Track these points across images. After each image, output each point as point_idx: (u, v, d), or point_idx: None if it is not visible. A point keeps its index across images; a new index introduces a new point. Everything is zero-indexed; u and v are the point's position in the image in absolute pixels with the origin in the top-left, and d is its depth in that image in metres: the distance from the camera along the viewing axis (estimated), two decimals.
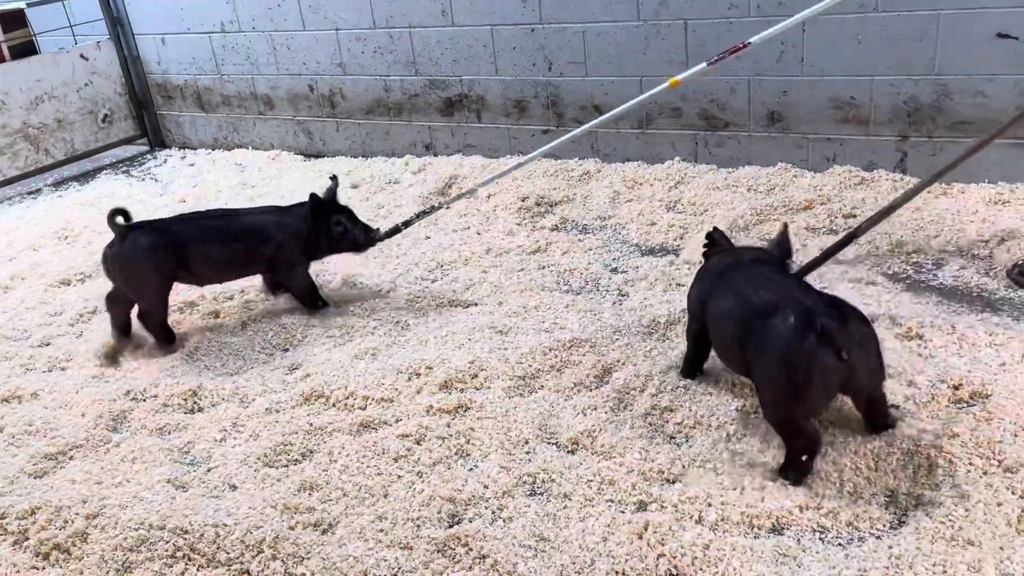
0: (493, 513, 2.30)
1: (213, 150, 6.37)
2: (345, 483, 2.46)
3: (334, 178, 3.61)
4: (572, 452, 2.54)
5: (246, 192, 5.35)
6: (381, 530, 2.26)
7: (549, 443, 2.60)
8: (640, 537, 2.12)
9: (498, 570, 2.08)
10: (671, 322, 3.18)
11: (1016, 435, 2.33)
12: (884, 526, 2.11)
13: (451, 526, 2.26)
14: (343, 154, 5.87)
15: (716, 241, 2.83)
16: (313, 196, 3.44)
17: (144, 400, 3.07)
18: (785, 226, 2.73)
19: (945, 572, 1.91)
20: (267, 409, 2.89)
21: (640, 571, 2.02)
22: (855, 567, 1.97)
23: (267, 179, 5.58)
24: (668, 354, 2.97)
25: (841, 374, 2.14)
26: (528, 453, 2.55)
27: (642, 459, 2.44)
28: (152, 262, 3.30)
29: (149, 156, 6.54)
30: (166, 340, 3.44)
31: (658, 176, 4.63)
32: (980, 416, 2.42)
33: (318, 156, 5.95)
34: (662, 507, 2.24)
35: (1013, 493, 2.12)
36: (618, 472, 2.39)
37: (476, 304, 3.55)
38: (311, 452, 2.64)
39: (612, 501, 2.29)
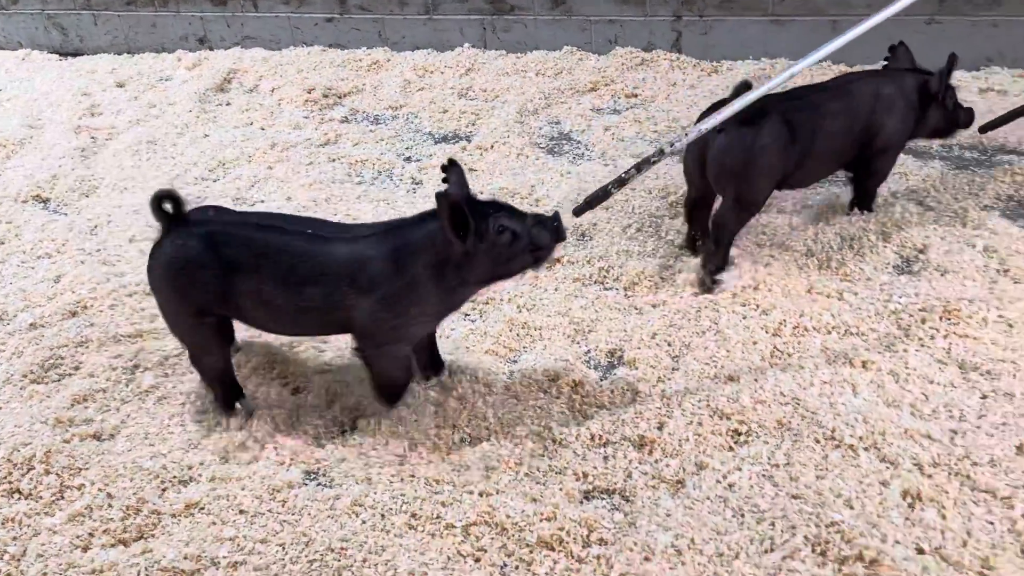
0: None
1: None
2: (123, 392, 2.32)
3: (452, 162, 2.05)
4: None
5: None
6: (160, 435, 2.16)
7: None
8: None
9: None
10: None
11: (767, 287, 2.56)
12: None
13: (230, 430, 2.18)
14: (104, 51, 5.30)
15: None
16: (445, 197, 1.89)
17: None
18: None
19: (708, 403, 2.10)
20: (31, 324, 2.64)
21: None
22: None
23: (16, 82, 4.96)
24: None
25: None
26: (325, 342, 2.50)
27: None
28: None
29: None
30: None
31: (448, 64, 4.56)
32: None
33: (75, 54, 5.34)
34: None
35: (766, 332, 2.35)
36: None
37: (263, 201, 3.38)
38: (82, 365, 2.45)
39: None
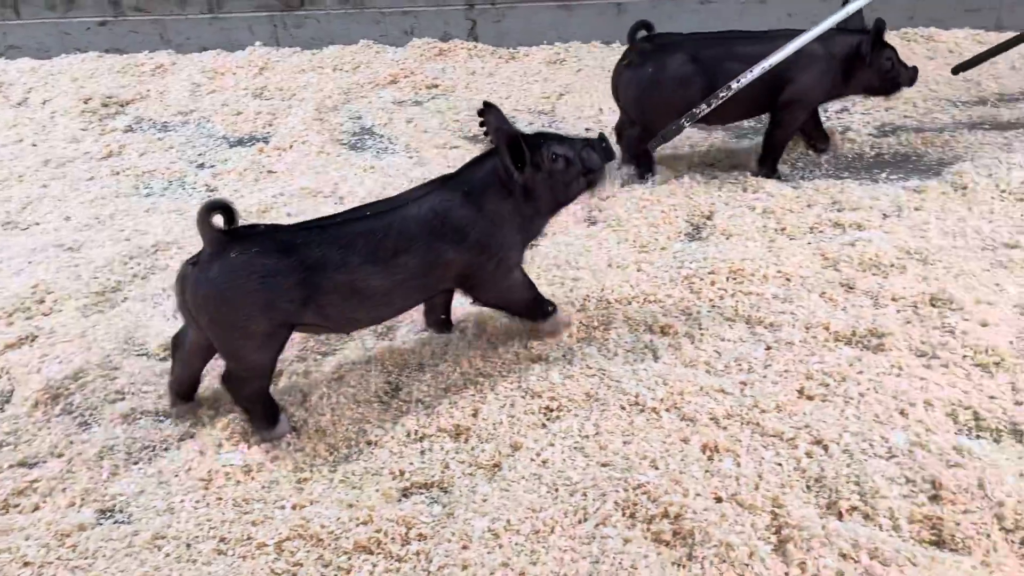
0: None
1: None
2: None
3: (489, 105, 2.15)
4: (166, 359, 2.37)
5: None
6: None
7: (139, 355, 2.39)
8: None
9: None
10: (263, 210, 3.06)
11: None
12: None
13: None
14: None
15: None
16: (503, 132, 2.02)
17: None
18: None
19: (520, 384, 2.12)
20: None
21: None
22: None
23: None
24: None
25: None
26: (116, 369, 2.32)
27: None
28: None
29: None
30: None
31: (240, 64, 4.37)
32: None
33: None
34: None
35: (572, 307, 2.41)
36: (214, 368, 2.28)
37: (37, 224, 3.09)
38: None
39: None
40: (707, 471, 1.82)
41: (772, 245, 2.61)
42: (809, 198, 2.89)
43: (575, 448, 1.92)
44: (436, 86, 4.06)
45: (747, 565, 1.59)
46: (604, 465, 1.85)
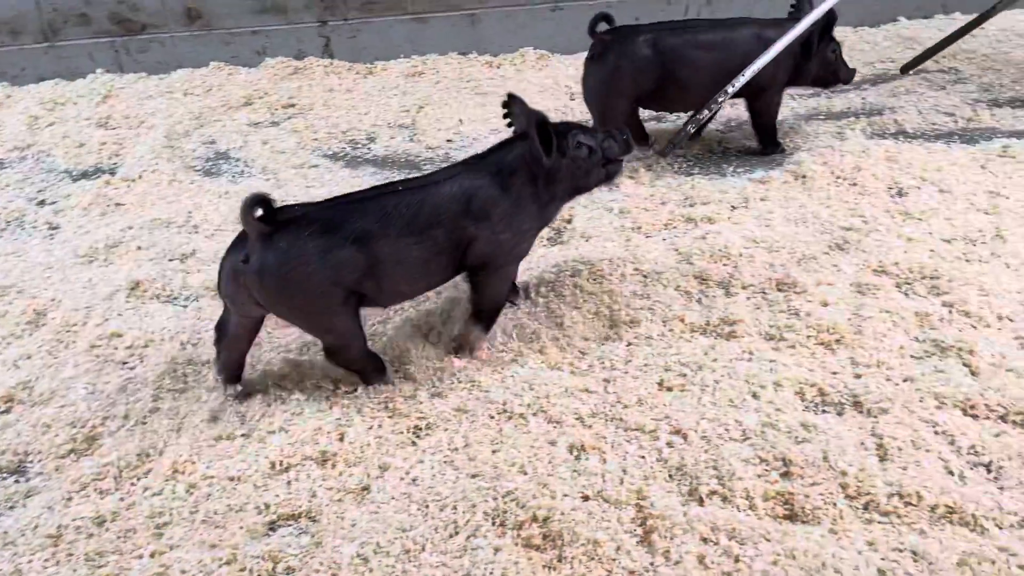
0: None
1: None
2: None
3: (513, 96, 2.25)
4: (7, 411, 2.22)
5: None
6: None
7: None
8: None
9: None
10: (111, 245, 2.91)
11: None
12: None
13: None
14: None
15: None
16: (535, 116, 2.10)
17: None
18: None
19: (387, 405, 2.10)
20: None
21: None
22: None
23: None
24: (112, 279, 2.72)
25: None
26: None
27: (89, 393, 2.23)
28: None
29: None
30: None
31: (81, 93, 4.15)
32: None
33: None
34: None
35: (441, 321, 2.40)
36: (58, 418, 2.14)
37: None
38: None
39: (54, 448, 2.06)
40: (574, 471, 1.85)
41: (628, 244, 2.68)
42: (663, 196, 2.99)
43: (445, 462, 1.91)
44: (292, 105, 3.98)
45: (614, 560, 1.63)
46: (474, 476, 1.85)
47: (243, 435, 2.04)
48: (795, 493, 1.75)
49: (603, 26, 3.02)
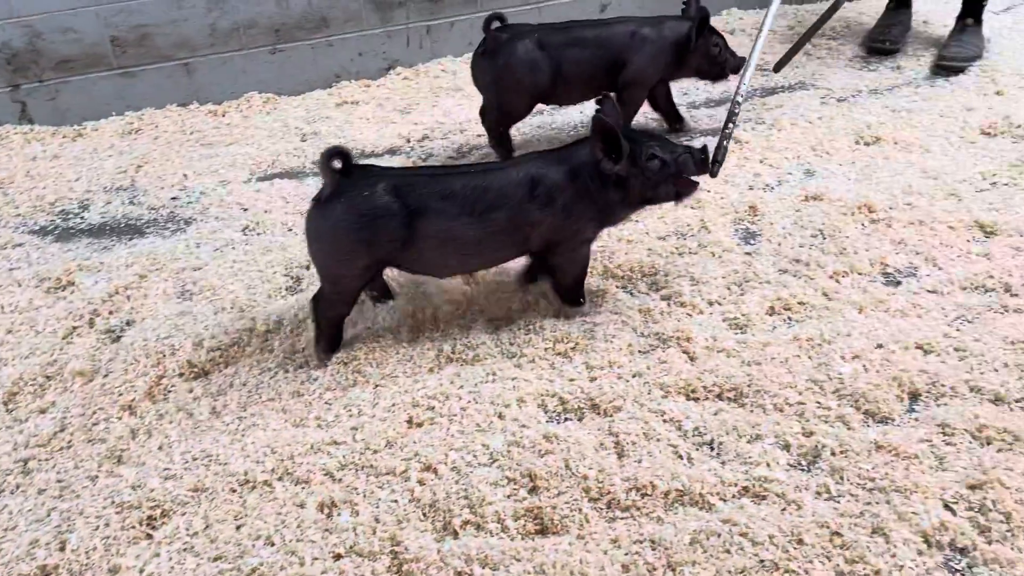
0: None
1: None
2: None
3: (606, 95, 2.27)
4: None
5: None
6: None
7: None
8: None
9: None
10: None
11: None
12: None
13: None
14: None
15: None
16: (599, 121, 2.15)
17: None
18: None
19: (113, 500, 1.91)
20: None
21: None
22: None
23: None
24: None
25: None
26: None
27: None
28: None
29: None
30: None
31: None
32: None
33: None
34: None
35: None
36: None
37: None
38: None
39: None
40: (325, 530, 1.78)
41: None
42: None
43: (184, 550, 1.77)
44: None
45: None
46: (216, 559, 1.73)
47: None
48: (543, 506, 1.78)
49: (495, 24, 3.15)
